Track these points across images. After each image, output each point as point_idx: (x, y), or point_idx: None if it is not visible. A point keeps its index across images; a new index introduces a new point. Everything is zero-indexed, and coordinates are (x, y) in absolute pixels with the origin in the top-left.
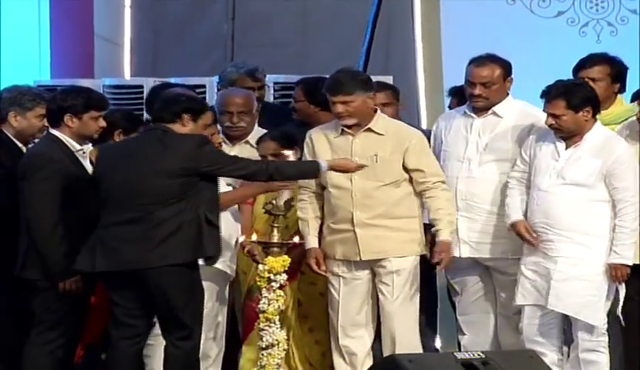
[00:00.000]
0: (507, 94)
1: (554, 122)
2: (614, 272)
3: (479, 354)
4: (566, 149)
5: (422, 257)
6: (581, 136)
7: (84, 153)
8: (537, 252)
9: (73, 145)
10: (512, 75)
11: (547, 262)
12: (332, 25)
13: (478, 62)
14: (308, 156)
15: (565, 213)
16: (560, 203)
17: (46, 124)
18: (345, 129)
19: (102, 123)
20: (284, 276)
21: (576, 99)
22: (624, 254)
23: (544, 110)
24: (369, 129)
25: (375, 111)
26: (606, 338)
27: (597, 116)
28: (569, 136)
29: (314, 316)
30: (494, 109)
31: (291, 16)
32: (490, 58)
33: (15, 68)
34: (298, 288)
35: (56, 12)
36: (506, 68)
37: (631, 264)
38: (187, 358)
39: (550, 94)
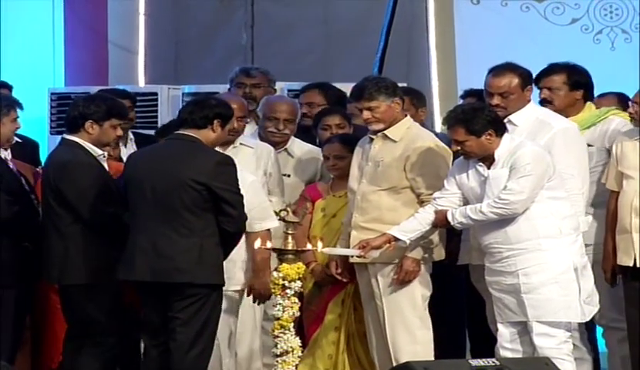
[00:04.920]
0: (528, 101)
1: (458, 148)
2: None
3: (493, 362)
4: (488, 169)
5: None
6: (492, 155)
7: (105, 156)
8: (496, 271)
9: (95, 150)
10: (532, 84)
11: (509, 278)
12: (354, 33)
13: (496, 71)
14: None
15: (509, 228)
16: (500, 221)
17: (17, 126)
18: (370, 134)
19: (120, 132)
20: (299, 283)
21: (475, 125)
22: (457, 217)
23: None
24: (385, 135)
25: (405, 116)
26: (570, 346)
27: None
28: (481, 158)
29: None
30: (510, 117)
31: (312, 25)
32: (508, 68)
33: (30, 75)
34: (354, 292)
35: (71, 19)
36: (525, 77)
37: (452, 220)
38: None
39: (450, 120)
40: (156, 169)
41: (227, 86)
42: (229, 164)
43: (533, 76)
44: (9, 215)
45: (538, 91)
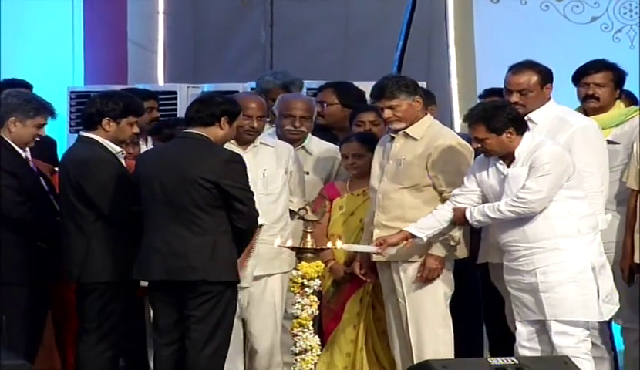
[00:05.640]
0: (548, 99)
1: (479, 146)
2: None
3: (512, 360)
4: (508, 167)
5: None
6: (512, 153)
7: (123, 154)
8: (514, 270)
9: (113, 147)
10: (551, 82)
11: (527, 277)
12: (374, 32)
13: (515, 69)
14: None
15: (528, 226)
16: (519, 219)
17: (40, 133)
18: (391, 132)
19: (136, 129)
20: (318, 281)
21: (496, 123)
22: (475, 215)
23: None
24: (406, 133)
25: (426, 114)
26: (589, 345)
27: (596, 118)
28: (502, 156)
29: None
30: (530, 115)
31: (331, 23)
32: (528, 65)
33: (49, 74)
34: (373, 290)
35: (90, 18)
36: (545, 74)
37: (473, 220)
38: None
39: (470, 118)
40: (165, 168)
41: (245, 84)
42: (237, 161)
43: (567, 74)
44: (20, 214)
45: (576, 88)
